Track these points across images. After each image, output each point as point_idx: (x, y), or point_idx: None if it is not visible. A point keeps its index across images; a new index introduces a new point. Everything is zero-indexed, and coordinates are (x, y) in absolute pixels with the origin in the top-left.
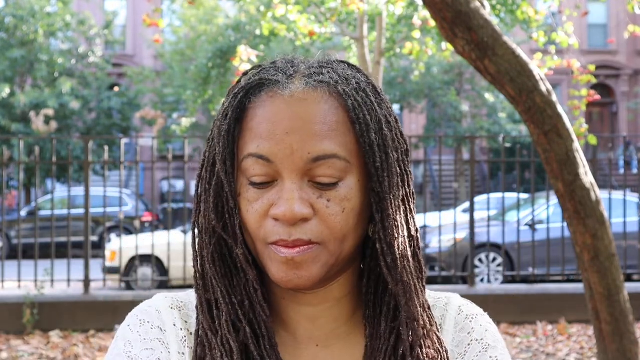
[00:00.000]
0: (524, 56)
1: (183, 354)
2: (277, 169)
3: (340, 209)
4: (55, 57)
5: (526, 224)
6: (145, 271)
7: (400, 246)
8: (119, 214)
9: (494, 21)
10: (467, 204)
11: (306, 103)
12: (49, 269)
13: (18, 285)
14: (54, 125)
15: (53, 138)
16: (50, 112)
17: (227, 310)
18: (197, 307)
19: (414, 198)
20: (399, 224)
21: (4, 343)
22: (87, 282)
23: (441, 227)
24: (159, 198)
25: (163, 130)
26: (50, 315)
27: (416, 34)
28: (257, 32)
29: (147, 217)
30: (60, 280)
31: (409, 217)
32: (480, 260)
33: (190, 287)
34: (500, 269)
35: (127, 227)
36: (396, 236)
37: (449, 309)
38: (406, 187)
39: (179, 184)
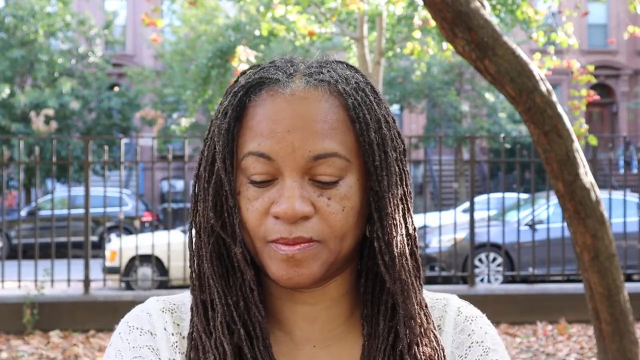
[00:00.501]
0: (524, 56)
1: (174, 359)
2: (277, 167)
3: (341, 207)
4: (55, 57)
5: (526, 224)
6: (145, 271)
7: (399, 244)
8: (119, 214)
9: (494, 21)
10: (467, 204)
11: (307, 101)
12: (49, 269)
13: (18, 285)
14: (54, 125)
15: (53, 138)
16: (50, 112)
17: (222, 312)
18: (191, 308)
19: (411, 197)
20: (397, 223)
21: (4, 343)
22: (87, 282)
23: (441, 227)
24: (159, 198)
25: (163, 130)
26: (50, 315)
27: (416, 34)
28: (257, 32)
29: (147, 217)
30: (60, 280)
31: (406, 216)
32: (480, 260)
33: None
34: (500, 269)
35: (127, 227)
36: (394, 235)
37: (447, 310)
38: (404, 186)
39: (179, 184)
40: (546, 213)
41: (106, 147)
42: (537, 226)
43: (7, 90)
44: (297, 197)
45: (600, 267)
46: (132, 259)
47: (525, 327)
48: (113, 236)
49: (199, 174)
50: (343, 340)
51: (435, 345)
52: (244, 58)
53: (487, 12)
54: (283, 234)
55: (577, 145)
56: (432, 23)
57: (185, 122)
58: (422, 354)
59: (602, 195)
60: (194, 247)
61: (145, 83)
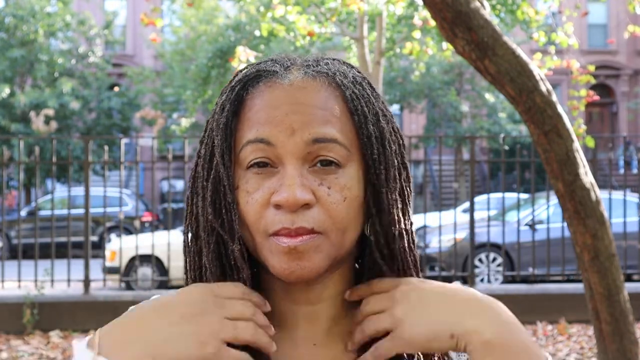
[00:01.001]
0: (524, 56)
1: None
2: (277, 152)
3: (342, 197)
4: (55, 57)
5: (526, 224)
6: (145, 271)
7: (397, 238)
8: (119, 214)
9: (494, 21)
10: (467, 204)
11: (306, 90)
12: (49, 269)
13: (18, 285)
14: (54, 125)
15: (53, 138)
16: (50, 112)
17: None
18: None
19: (411, 190)
20: (396, 217)
21: (4, 343)
22: (87, 282)
23: (441, 227)
24: (159, 198)
25: (163, 130)
26: (50, 315)
27: (416, 34)
28: (257, 32)
29: (147, 217)
30: (60, 280)
31: (405, 210)
32: (480, 260)
33: None
34: (500, 269)
35: (127, 227)
36: (393, 228)
37: None
38: (403, 180)
39: (179, 184)
40: (546, 213)
41: (106, 147)
42: (537, 226)
43: (7, 90)
44: (298, 184)
45: (600, 267)
46: (132, 259)
47: (525, 327)
48: (113, 236)
49: (197, 173)
50: (344, 339)
51: None
52: (244, 58)
53: (487, 12)
54: (285, 224)
55: (577, 145)
56: (432, 23)
57: (185, 122)
58: None
59: (602, 195)
60: (191, 246)
61: (145, 83)
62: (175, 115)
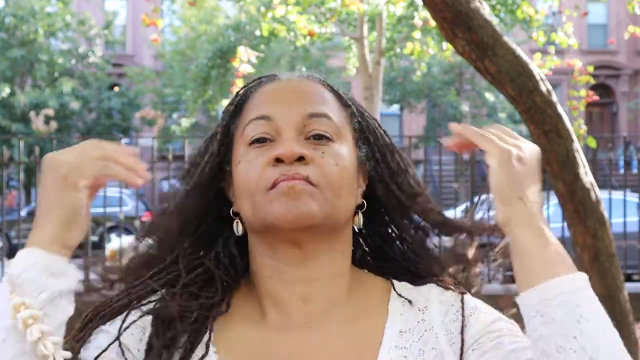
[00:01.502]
0: (524, 56)
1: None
2: (276, 126)
3: (334, 162)
4: (55, 57)
5: None
6: None
7: (404, 182)
8: (119, 214)
9: (494, 21)
10: (467, 204)
11: (302, 83)
12: None
13: None
14: (54, 125)
15: (53, 138)
16: (50, 112)
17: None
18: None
19: (410, 165)
20: (398, 166)
21: None
22: (87, 282)
23: None
24: (159, 198)
25: (163, 130)
26: None
27: (417, 34)
28: (257, 32)
29: (147, 217)
30: None
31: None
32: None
33: None
34: (501, 268)
35: (127, 227)
36: (399, 173)
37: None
38: (397, 156)
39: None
40: (546, 213)
41: None
42: None
43: (7, 90)
44: (294, 142)
45: (600, 267)
46: None
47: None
48: (113, 236)
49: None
50: (339, 323)
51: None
52: (245, 58)
53: (487, 12)
54: (283, 172)
55: (577, 145)
56: (432, 23)
57: (185, 122)
58: None
59: (602, 195)
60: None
61: (145, 83)
62: (175, 116)
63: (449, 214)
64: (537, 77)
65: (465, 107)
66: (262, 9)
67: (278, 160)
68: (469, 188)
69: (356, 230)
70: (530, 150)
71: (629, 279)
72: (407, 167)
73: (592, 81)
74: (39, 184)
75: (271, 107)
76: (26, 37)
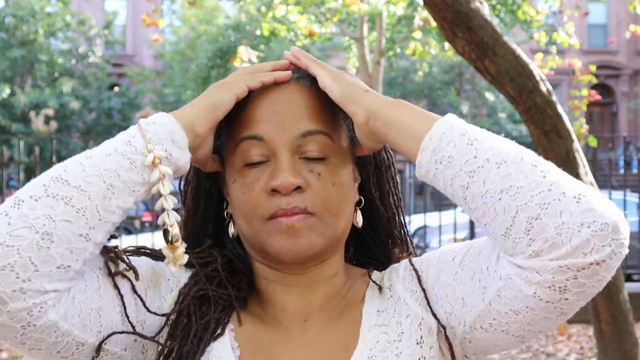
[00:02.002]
0: (524, 56)
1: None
2: (270, 146)
3: (330, 182)
4: (55, 57)
5: None
6: None
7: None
8: None
9: (494, 21)
10: None
11: (294, 91)
12: None
13: None
14: (54, 125)
15: (53, 138)
16: (50, 112)
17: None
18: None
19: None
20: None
21: (4, 343)
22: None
23: (441, 227)
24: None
25: None
26: None
27: (417, 34)
28: (257, 32)
29: (147, 217)
30: None
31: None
32: None
33: None
34: None
35: (127, 227)
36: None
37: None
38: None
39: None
40: None
41: None
42: None
43: (7, 90)
44: (289, 169)
45: None
46: None
47: None
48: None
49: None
50: (332, 317)
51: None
52: (245, 58)
53: (487, 12)
54: (281, 205)
55: (577, 145)
56: (433, 23)
57: None
58: None
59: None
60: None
61: (145, 83)
62: None
63: (449, 214)
64: (537, 77)
65: (465, 107)
66: (263, 8)
67: (275, 190)
68: None
69: (357, 227)
70: None
71: (629, 279)
72: (396, 185)
73: (595, 80)
74: None
75: (264, 127)
76: (26, 37)
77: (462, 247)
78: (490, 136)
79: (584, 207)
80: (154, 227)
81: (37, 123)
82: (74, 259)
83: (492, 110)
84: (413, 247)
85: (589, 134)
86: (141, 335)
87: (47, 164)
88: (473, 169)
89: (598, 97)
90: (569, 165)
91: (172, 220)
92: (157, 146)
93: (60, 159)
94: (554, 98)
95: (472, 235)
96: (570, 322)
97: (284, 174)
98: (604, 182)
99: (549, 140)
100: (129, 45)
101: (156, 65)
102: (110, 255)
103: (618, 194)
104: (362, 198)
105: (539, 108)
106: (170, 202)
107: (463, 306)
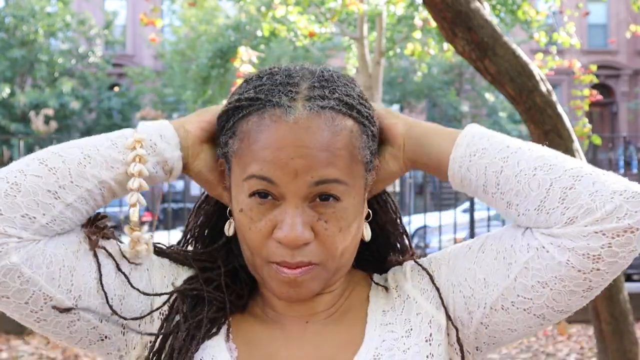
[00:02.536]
0: (524, 56)
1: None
2: (280, 191)
3: (337, 229)
4: (55, 57)
5: None
6: None
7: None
8: (118, 214)
9: (494, 21)
10: (467, 204)
11: (310, 130)
12: None
13: None
14: (54, 125)
15: (53, 138)
16: (50, 112)
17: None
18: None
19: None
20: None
21: (4, 343)
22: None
23: (441, 227)
24: (159, 198)
25: None
26: None
27: (417, 34)
28: (258, 32)
29: (147, 217)
30: None
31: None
32: None
33: None
34: None
35: None
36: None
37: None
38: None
39: (179, 184)
40: None
41: None
42: None
43: (7, 90)
44: (299, 224)
45: None
46: None
47: None
48: None
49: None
50: (334, 320)
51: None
52: (246, 59)
53: (487, 12)
54: (285, 257)
55: (577, 145)
56: (433, 23)
57: None
58: None
59: None
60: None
61: (145, 83)
62: (175, 116)
63: (449, 214)
64: (537, 77)
65: (465, 107)
66: (263, 9)
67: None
68: None
69: (365, 240)
70: None
71: (629, 279)
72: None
73: (596, 80)
74: None
75: (275, 170)
76: (26, 37)
77: (474, 239)
78: (515, 139)
79: (613, 179)
80: (154, 227)
81: (37, 123)
82: (40, 212)
83: (492, 110)
84: (412, 249)
85: (592, 134)
86: (111, 308)
87: None
88: (507, 155)
89: (599, 97)
90: None
91: (134, 200)
92: (143, 135)
93: None
94: (554, 98)
95: (472, 235)
96: (570, 322)
97: (292, 230)
98: None
99: (549, 140)
100: (129, 45)
101: (156, 65)
102: (93, 229)
103: None
104: (370, 211)
105: (539, 108)
106: (137, 183)
107: (485, 287)
